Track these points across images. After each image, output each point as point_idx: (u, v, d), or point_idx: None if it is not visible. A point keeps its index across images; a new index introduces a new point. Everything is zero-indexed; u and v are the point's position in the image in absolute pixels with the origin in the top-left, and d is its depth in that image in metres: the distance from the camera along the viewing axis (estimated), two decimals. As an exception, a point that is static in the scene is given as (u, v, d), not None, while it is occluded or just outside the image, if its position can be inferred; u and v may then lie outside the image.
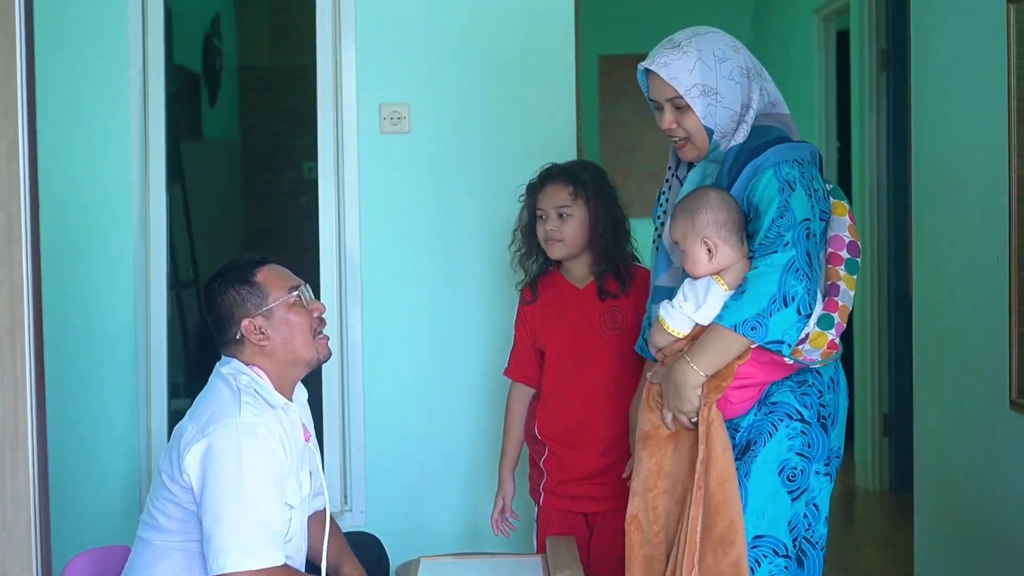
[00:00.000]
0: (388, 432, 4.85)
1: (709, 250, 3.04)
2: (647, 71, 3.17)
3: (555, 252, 3.79)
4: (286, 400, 3.23)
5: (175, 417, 4.88)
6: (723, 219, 3.03)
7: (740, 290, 3.00)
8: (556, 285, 3.89)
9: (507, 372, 4.00)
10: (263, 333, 3.20)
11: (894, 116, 6.44)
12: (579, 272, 3.84)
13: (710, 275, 3.06)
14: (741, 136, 3.13)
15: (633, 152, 12.15)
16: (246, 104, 8.76)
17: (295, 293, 3.23)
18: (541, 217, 3.79)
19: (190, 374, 6.73)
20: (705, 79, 3.09)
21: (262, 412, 3.13)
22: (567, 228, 3.75)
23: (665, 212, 3.33)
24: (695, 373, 3.03)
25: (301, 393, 3.38)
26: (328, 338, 3.32)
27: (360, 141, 4.78)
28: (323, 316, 3.31)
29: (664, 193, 3.38)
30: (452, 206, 4.80)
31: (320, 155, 4.82)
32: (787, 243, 2.97)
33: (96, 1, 4.75)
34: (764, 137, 3.13)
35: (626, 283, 3.78)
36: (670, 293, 3.16)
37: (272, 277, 3.25)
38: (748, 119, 3.14)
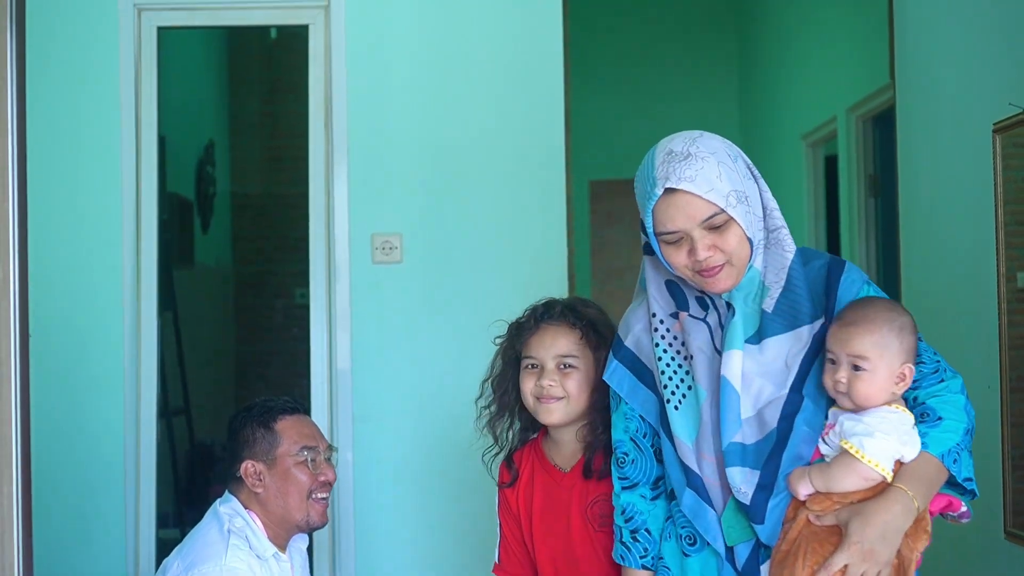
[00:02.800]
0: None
1: (902, 378, 2.47)
2: (657, 199, 2.50)
3: (552, 415, 2.89)
4: (276, 550, 3.17)
5: (164, 547, 4.82)
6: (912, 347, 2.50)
7: (932, 416, 2.47)
8: (538, 462, 3.00)
9: (497, 570, 3.13)
10: (260, 480, 3.16)
11: (883, 241, 6.47)
12: (568, 446, 2.95)
13: (884, 404, 2.47)
14: (790, 246, 2.64)
15: (624, 276, 12.19)
16: (238, 230, 8.80)
17: (305, 452, 3.19)
18: (533, 367, 2.91)
19: (180, 504, 6.66)
20: (733, 183, 2.54)
21: (249, 558, 3.08)
22: (571, 383, 2.87)
23: (681, 364, 2.62)
24: (914, 508, 2.43)
25: (301, 540, 3.32)
26: (327, 504, 3.22)
27: (352, 270, 4.79)
28: (329, 482, 3.25)
29: (665, 341, 2.66)
30: (445, 336, 4.80)
31: (312, 284, 4.83)
32: (946, 368, 2.53)
33: (88, 128, 4.79)
34: (815, 255, 2.70)
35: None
36: (743, 451, 2.52)
37: (291, 429, 3.20)
38: (777, 223, 2.64)
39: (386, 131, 4.84)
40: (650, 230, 2.54)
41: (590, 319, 2.91)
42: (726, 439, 2.52)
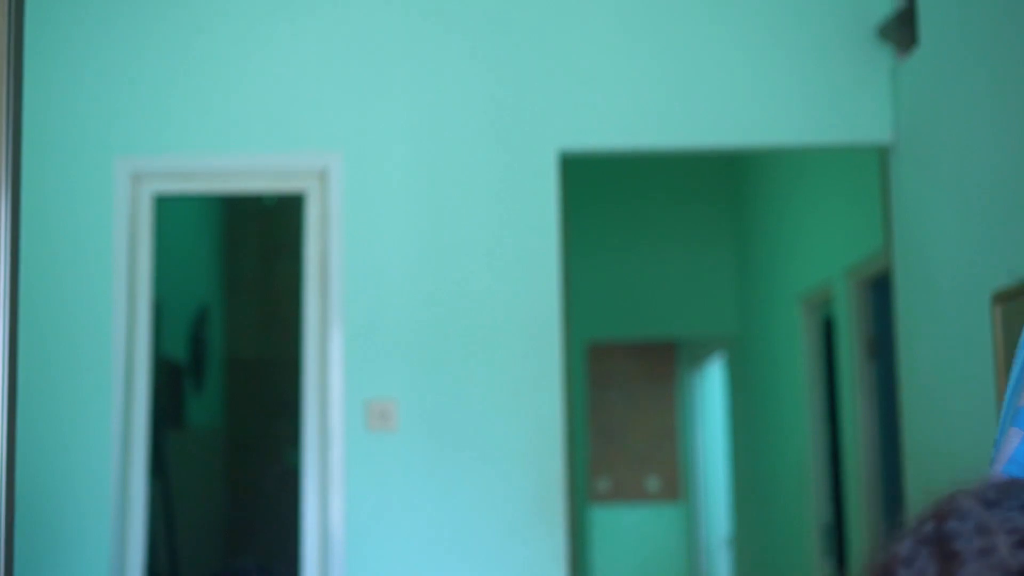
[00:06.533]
0: None
1: None
2: None
3: None
4: None
5: None
6: None
7: None
8: None
9: None
10: None
11: (883, 403, 6.43)
12: None
13: None
14: None
15: (621, 437, 12.11)
16: (231, 393, 8.75)
17: None
18: None
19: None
20: None
21: None
22: None
23: None
24: None
25: None
26: None
27: (346, 439, 4.74)
28: None
29: None
30: (444, 505, 4.72)
31: (305, 450, 4.77)
32: None
33: (81, 293, 4.77)
34: None
35: None
36: None
37: None
38: None
39: (381, 297, 4.83)
40: None
41: None
42: None
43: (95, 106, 4.84)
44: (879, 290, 6.32)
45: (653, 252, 9.21)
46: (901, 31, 4.82)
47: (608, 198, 9.13)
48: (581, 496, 9.33)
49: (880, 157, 5.11)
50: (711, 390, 11.14)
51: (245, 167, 4.91)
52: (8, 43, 2.61)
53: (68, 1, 4.87)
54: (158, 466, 6.50)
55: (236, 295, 8.88)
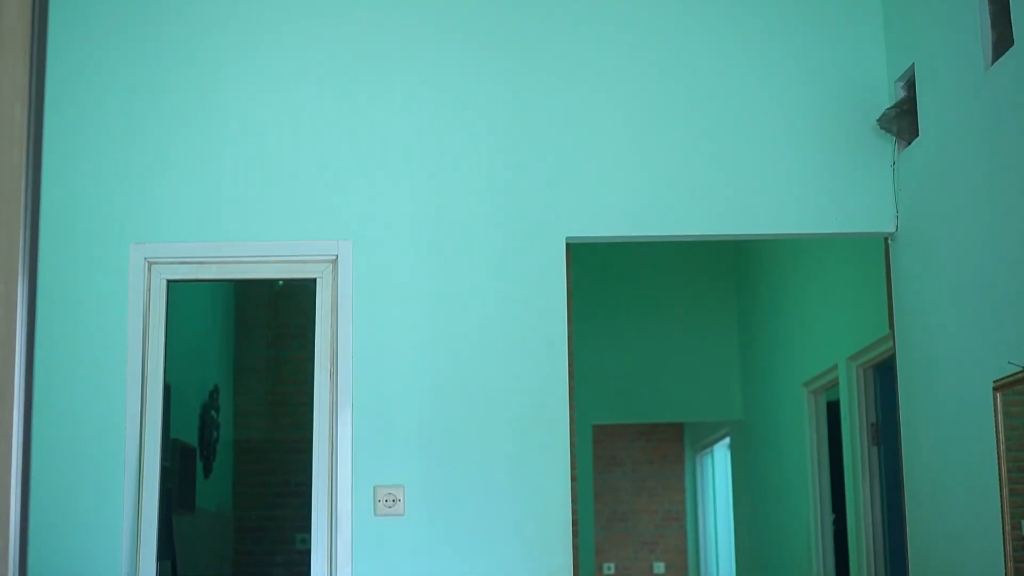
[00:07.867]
0: None
1: None
2: None
3: None
4: None
5: None
6: None
7: None
8: None
9: None
10: None
11: (887, 488, 6.45)
12: None
13: None
14: None
15: (627, 519, 12.07)
16: (240, 475, 8.76)
17: None
18: None
19: None
20: None
21: None
22: None
23: None
24: None
25: None
26: None
27: (354, 523, 4.76)
28: None
29: None
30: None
31: (313, 534, 4.79)
32: None
33: (95, 376, 4.81)
34: None
35: None
36: None
37: None
38: None
39: (390, 382, 4.87)
40: None
41: None
42: None
43: (112, 196, 4.92)
44: (884, 374, 6.36)
45: (658, 336, 9.25)
46: (902, 123, 4.90)
47: (612, 281, 9.19)
48: (587, 580, 9.30)
49: (885, 244, 5.17)
50: (720, 473, 11.13)
51: (257, 254, 4.97)
52: (28, 135, 2.68)
53: (86, 97, 4.97)
54: (168, 550, 6.51)
55: (246, 376, 8.92)
